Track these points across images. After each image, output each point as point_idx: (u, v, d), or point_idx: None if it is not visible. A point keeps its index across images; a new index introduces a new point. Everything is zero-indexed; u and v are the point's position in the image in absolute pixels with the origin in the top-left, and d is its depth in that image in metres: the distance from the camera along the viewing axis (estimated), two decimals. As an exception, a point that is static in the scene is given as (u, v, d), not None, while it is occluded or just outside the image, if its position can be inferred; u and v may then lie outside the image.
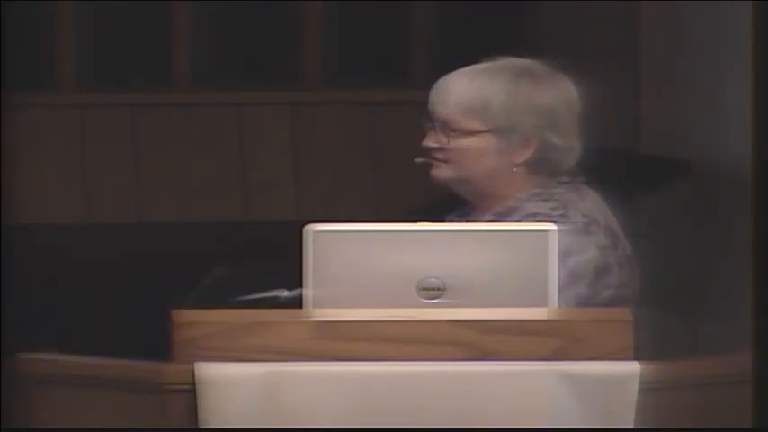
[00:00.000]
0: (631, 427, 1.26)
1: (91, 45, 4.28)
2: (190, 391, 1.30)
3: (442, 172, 1.69)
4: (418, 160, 1.73)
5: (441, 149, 1.67)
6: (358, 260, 1.30)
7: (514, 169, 1.66)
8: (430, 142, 1.70)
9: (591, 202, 1.69)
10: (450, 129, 1.65)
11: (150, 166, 4.25)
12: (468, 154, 1.65)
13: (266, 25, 4.35)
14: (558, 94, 1.67)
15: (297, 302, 1.43)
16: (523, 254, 1.29)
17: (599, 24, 3.94)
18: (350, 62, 4.34)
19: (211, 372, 1.23)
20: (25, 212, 5.02)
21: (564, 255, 1.33)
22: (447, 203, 1.90)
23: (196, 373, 1.24)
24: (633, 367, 1.24)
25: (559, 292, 1.32)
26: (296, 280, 1.43)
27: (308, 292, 1.34)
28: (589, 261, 1.60)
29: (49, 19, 4.10)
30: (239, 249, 3.94)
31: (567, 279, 1.37)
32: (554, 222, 1.42)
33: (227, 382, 1.22)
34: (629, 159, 3.92)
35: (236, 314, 1.31)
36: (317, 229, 1.30)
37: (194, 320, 1.29)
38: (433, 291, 1.30)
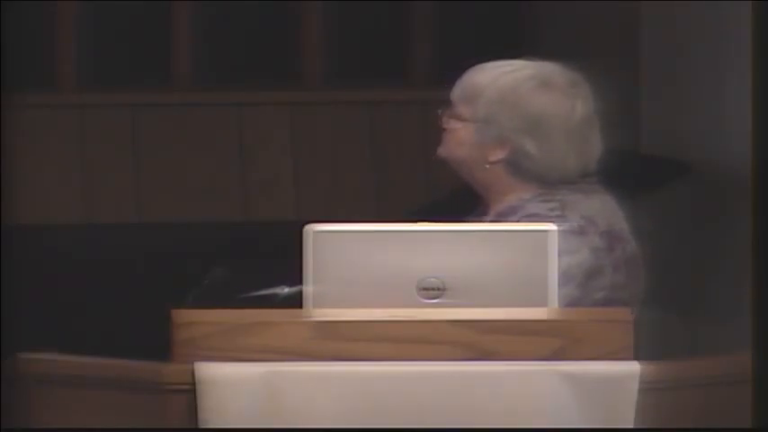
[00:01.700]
0: (631, 426, 1.26)
1: (91, 45, 4.28)
2: (190, 391, 1.30)
3: (439, 151, 1.74)
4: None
5: (442, 129, 1.72)
6: (358, 260, 1.30)
7: (487, 165, 1.68)
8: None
9: (597, 204, 1.69)
10: (449, 111, 1.70)
11: (150, 166, 4.25)
12: (452, 138, 1.70)
13: (266, 25, 4.36)
14: (557, 106, 1.68)
15: (297, 299, 1.43)
16: (523, 254, 1.29)
17: (599, 24, 3.94)
18: (350, 62, 4.34)
19: (211, 372, 1.23)
20: (25, 212, 5.02)
21: None
22: (447, 203, 1.90)
23: (196, 373, 1.24)
24: (633, 367, 1.24)
25: None
26: (296, 280, 1.43)
27: (308, 291, 1.34)
28: (580, 263, 1.60)
29: (49, 19, 4.10)
30: (239, 249, 3.94)
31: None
32: (550, 223, 1.42)
33: (227, 382, 1.22)
34: (630, 159, 3.93)
35: (236, 314, 1.31)
36: (316, 229, 1.30)
37: (194, 320, 1.29)
38: (433, 291, 1.30)
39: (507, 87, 1.68)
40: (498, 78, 1.71)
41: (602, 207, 1.71)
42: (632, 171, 3.84)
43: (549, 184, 1.69)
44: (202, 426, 1.23)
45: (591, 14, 3.92)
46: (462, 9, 4.31)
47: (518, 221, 1.63)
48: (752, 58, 2.58)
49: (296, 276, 1.38)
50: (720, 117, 3.67)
